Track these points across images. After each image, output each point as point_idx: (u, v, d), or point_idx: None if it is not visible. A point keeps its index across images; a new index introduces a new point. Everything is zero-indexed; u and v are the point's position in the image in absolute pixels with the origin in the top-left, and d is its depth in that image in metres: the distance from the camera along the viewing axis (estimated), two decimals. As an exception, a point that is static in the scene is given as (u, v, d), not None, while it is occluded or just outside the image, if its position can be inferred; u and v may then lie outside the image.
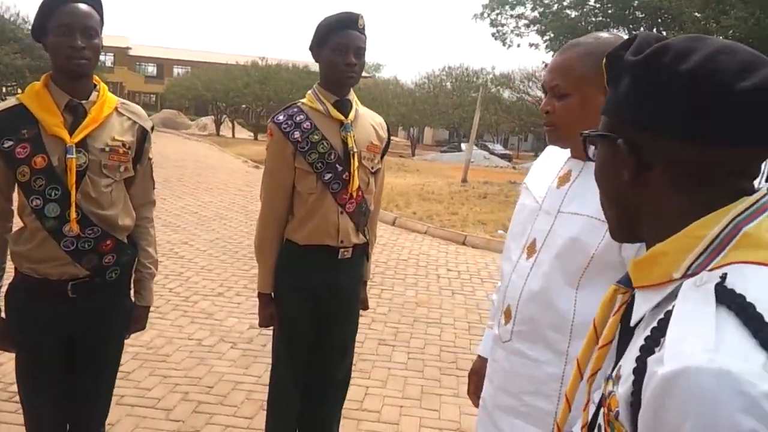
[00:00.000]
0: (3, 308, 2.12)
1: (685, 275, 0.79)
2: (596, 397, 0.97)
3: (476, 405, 1.85)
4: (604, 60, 0.97)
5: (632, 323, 0.87)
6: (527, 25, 39.54)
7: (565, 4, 37.57)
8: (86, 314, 2.10)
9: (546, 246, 1.58)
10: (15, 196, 2.07)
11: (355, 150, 2.43)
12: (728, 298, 0.72)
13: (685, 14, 27.18)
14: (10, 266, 2.11)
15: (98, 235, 2.04)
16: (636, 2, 33.11)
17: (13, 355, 3.79)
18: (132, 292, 2.27)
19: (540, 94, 42.73)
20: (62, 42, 1.93)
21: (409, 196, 12.19)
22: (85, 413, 2.26)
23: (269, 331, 4.58)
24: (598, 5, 36.18)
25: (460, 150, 35.93)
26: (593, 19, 36.63)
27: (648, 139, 0.83)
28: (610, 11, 35.75)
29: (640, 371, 0.75)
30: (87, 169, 2.01)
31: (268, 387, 2.64)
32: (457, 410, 3.62)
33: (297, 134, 2.38)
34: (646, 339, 0.78)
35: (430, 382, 3.99)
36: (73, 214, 1.97)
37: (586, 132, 0.97)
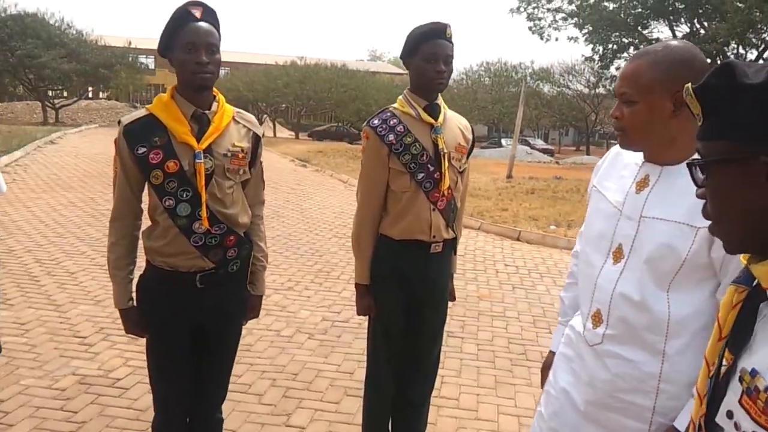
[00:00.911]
0: (134, 297, 2.34)
1: None
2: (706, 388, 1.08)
3: None
4: (693, 91, 1.04)
5: None
6: (564, 19, 39.17)
7: (603, -4, 37.05)
8: (211, 303, 2.30)
9: (635, 251, 1.62)
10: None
11: (446, 151, 2.59)
12: None
13: (727, 4, 26.67)
14: (140, 259, 2.32)
15: (223, 231, 2.24)
16: (676, -8, 32.55)
17: (114, 347, 4.10)
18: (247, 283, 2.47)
19: (581, 87, 42.39)
20: (189, 59, 2.12)
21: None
22: (207, 395, 2.47)
23: (343, 323, 4.87)
24: (636, -4, 35.62)
25: (500, 146, 35.81)
26: (632, 11, 36.11)
27: None
28: (649, 2, 35.16)
29: None
30: (213, 172, 2.21)
31: (366, 370, 2.83)
32: (531, 399, 3.76)
33: (391, 137, 2.55)
34: None
35: (503, 372, 4.14)
36: (204, 213, 2.18)
37: (701, 159, 1.04)
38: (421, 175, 2.56)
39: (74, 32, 35.77)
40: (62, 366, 3.96)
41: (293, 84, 34.77)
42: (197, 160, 2.17)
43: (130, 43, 38.41)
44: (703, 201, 1.06)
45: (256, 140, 2.38)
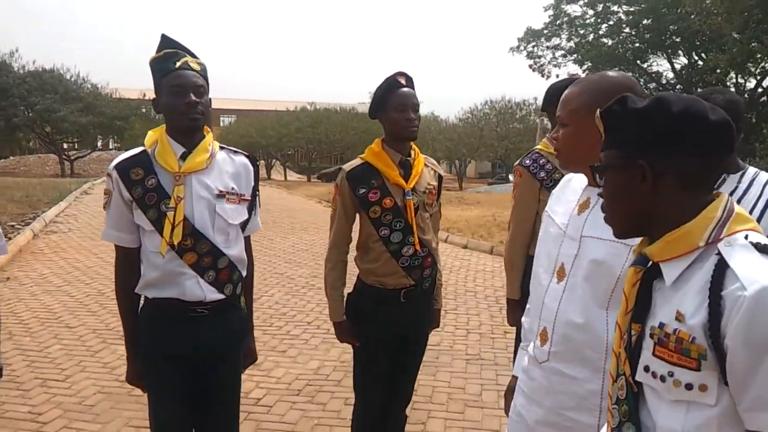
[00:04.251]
0: (345, 312, 2.82)
1: (707, 243, 1.20)
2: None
3: None
4: (599, 114, 1.32)
5: (668, 284, 1.24)
6: (564, 56, 40.15)
7: (600, 33, 38.14)
8: (410, 315, 2.80)
9: (575, 269, 1.68)
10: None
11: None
12: (762, 248, 1.16)
13: (725, 36, 27.58)
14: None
15: (425, 254, 2.76)
16: (672, 27, 33.60)
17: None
18: (431, 298, 2.97)
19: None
20: (401, 116, 2.68)
21: (488, 227, 12.80)
22: (399, 394, 2.95)
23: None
24: (634, 32, 36.71)
25: (508, 181, 36.41)
26: (630, 46, 37.12)
27: (663, 156, 1.22)
28: (646, 37, 36.14)
29: (715, 303, 1.12)
30: (418, 207, 2.74)
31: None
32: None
33: (542, 174, 3.08)
34: (711, 283, 1.14)
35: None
36: (416, 239, 2.70)
37: (600, 165, 1.32)
38: (569, 205, 3.07)
39: (90, 86, 36.86)
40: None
41: (305, 129, 35.55)
42: (407, 197, 2.70)
43: (144, 95, 39.30)
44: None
45: (440, 179, 2.92)
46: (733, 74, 30.46)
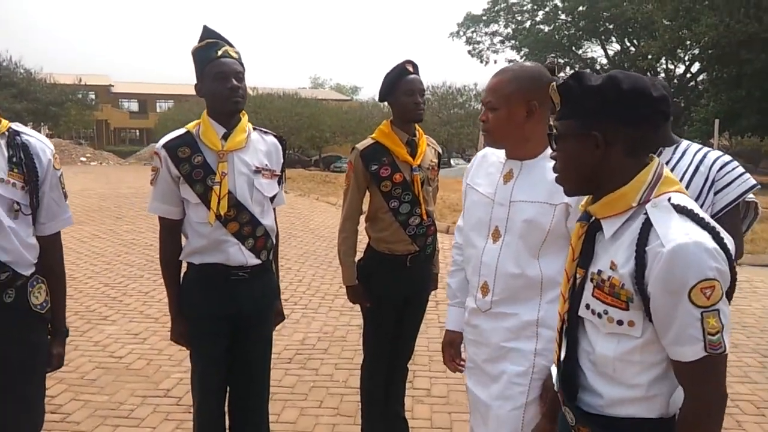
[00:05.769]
0: (357, 276, 3.12)
1: (639, 203, 1.40)
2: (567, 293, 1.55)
3: (453, 371, 2.33)
4: (556, 88, 1.48)
5: (606, 237, 1.45)
6: (502, 42, 41.09)
7: (537, 19, 39.18)
8: (415, 278, 3.14)
9: (509, 230, 1.96)
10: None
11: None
12: (680, 209, 1.35)
13: (657, 23, 28.83)
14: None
15: (429, 223, 3.10)
16: (606, 14, 34.81)
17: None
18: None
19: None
20: (410, 100, 2.99)
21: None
22: (403, 351, 3.29)
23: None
24: (569, 19, 37.85)
25: (450, 165, 37.06)
26: (566, 32, 38.29)
27: (614, 127, 1.40)
28: (581, 24, 37.27)
29: (640, 257, 1.33)
30: (423, 181, 3.07)
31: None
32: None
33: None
34: (637, 240, 1.35)
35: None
36: (423, 210, 3.03)
37: (557, 132, 1.50)
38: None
39: (23, 71, 35.70)
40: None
41: (248, 114, 35.08)
42: (414, 173, 3.02)
43: (80, 80, 38.25)
44: (554, 162, 1.54)
45: (439, 156, 3.26)
46: (663, 60, 31.86)
